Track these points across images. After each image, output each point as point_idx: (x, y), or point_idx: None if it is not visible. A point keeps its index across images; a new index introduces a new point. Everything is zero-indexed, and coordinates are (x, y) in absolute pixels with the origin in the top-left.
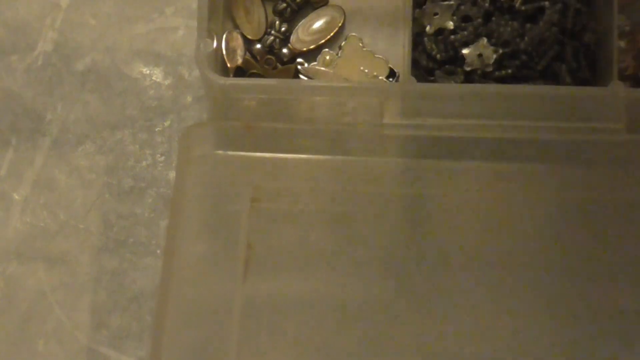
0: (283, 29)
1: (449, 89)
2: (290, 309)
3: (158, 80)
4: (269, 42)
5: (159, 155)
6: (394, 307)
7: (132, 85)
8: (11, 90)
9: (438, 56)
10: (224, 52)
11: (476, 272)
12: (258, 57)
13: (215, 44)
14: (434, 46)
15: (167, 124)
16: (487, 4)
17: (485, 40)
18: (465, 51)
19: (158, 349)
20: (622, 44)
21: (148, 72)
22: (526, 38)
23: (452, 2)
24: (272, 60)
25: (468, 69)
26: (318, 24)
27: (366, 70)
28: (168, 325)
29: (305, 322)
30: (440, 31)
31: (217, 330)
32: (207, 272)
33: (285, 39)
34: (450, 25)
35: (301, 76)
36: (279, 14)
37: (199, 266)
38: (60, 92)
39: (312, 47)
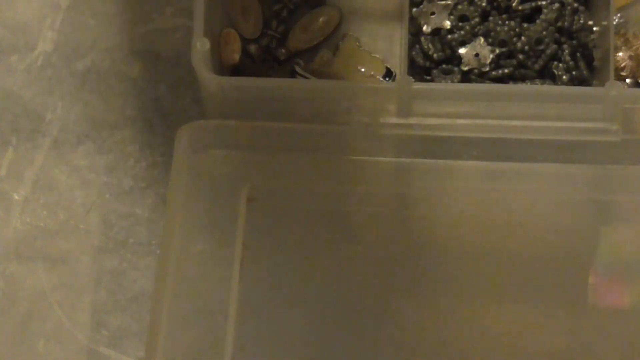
0: (280, 28)
1: (446, 88)
2: (285, 308)
3: (158, 80)
4: (265, 41)
5: (159, 156)
6: (391, 306)
7: (132, 85)
8: (11, 90)
9: (435, 56)
10: (221, 51)
11: (474, 272)
12: (255, 57)
13: (211, 43)
14: (430, 46)
15: (167, 124)
16: (484, 4)
17: (482, 39)
18: (462, 51)
19: (154, 348)
20: (619, 43)
21: (148, 72)
22: (523, 38)
23: (449, 2)
24: (268, 59)
25: (465, 68)
26: (315, 23)
27: (363, 70)
28: (163, 324)
29: (301, 321)
30: (437, 30)
31: (212, 329)
32: (202, 270)
33: (282, 39)
34: (447, 24)
35: (298, 76)
36: (276, 13)
37: (195, 265)
38: (60, 92)
39: (308, 46)
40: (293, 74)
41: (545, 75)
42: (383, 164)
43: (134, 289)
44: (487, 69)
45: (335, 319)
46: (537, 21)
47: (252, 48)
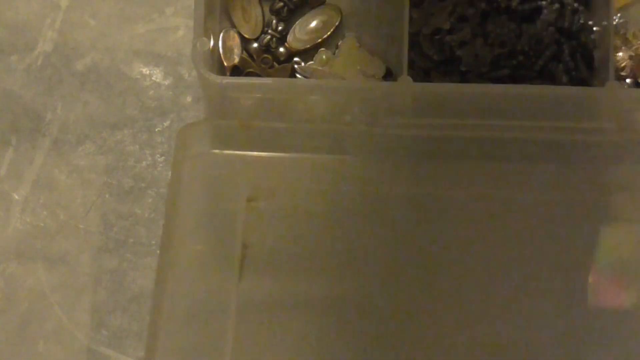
0: (280, 28)
1: (446, 89)
2: (285, 308)
3: (158, 80)
4: (265, 41)
5: (158, 156)
6: (391, 306)
7: (132, 85)
8: (11, 90)
9: (434, 56)
10: (221, 51)
11: (475, 272)
12: (255, 56)
13: (212, 43)
14: (430, 46)
15: (167, 124)
16: (483, 4)
17: (481, 40)
18: (461, 51)
19: (153, 348)
20: (619, 43)
21: (148, 72)
22: (523, 38)
23: (448, 2)
24: (268, 59)
25: (464, 69)
26: (315, 23)
27: (363, 70)
28: (163, 324)
29: (301, 322)
30: (437, 31)
31: (212, 329)
32: (202, 271)
33: (282, 38)
34: (447, 25)
35: (298, 75)
36: (276, 13)
37: (195, 265)
38: (60, 92)
39: (308, 46)
40: (293, 74)
41: (545, 75)
42: (383, 165)
43: (134, 289)
44: (487, 69)
45: (335, 319)
46: (537, 22)
47: (252, 48)
